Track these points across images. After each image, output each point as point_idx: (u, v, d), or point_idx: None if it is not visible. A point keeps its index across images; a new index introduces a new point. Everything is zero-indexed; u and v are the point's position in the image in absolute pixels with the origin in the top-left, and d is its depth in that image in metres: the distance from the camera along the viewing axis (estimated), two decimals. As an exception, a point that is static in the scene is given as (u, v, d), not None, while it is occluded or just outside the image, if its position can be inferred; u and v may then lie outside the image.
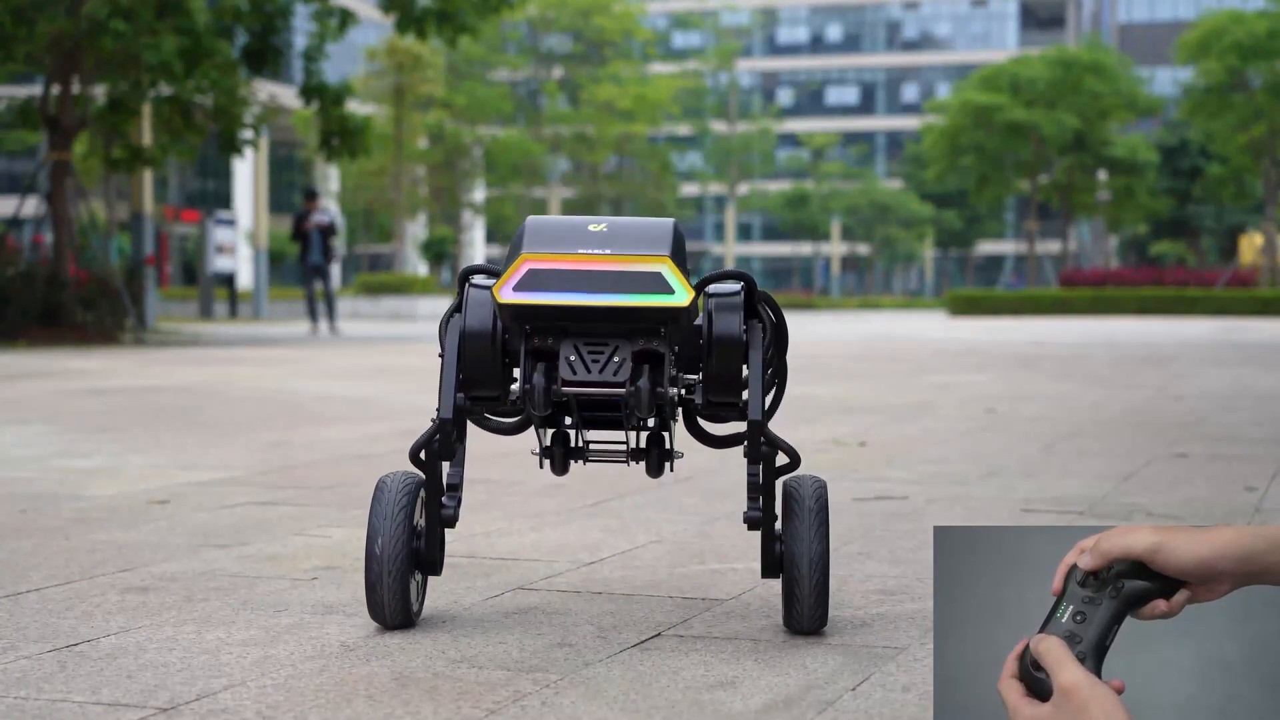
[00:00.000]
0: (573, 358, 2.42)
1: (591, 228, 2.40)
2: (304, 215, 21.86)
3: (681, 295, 2.34)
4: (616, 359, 2.42)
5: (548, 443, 2.63)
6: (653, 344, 2.43)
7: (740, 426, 2.70)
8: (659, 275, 2.35)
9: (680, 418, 2.64)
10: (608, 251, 2.35)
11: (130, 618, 2.64)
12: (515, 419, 2.66)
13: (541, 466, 2.54)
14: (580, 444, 2.64)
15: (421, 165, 50.86)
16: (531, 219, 2.44)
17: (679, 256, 2.39)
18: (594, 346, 2.42)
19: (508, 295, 2.35)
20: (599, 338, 2.42)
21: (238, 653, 2.37)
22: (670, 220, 2.45)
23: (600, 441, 2.67)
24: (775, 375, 2.59)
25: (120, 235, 29.93)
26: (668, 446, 2.62)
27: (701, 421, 2.67)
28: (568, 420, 2.62)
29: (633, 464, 2.55)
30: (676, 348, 2.48)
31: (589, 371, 2.42)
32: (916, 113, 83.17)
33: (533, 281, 2.35)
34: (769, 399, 2.58)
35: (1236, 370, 11.69)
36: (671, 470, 2.66)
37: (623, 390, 2.42)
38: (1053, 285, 59.82)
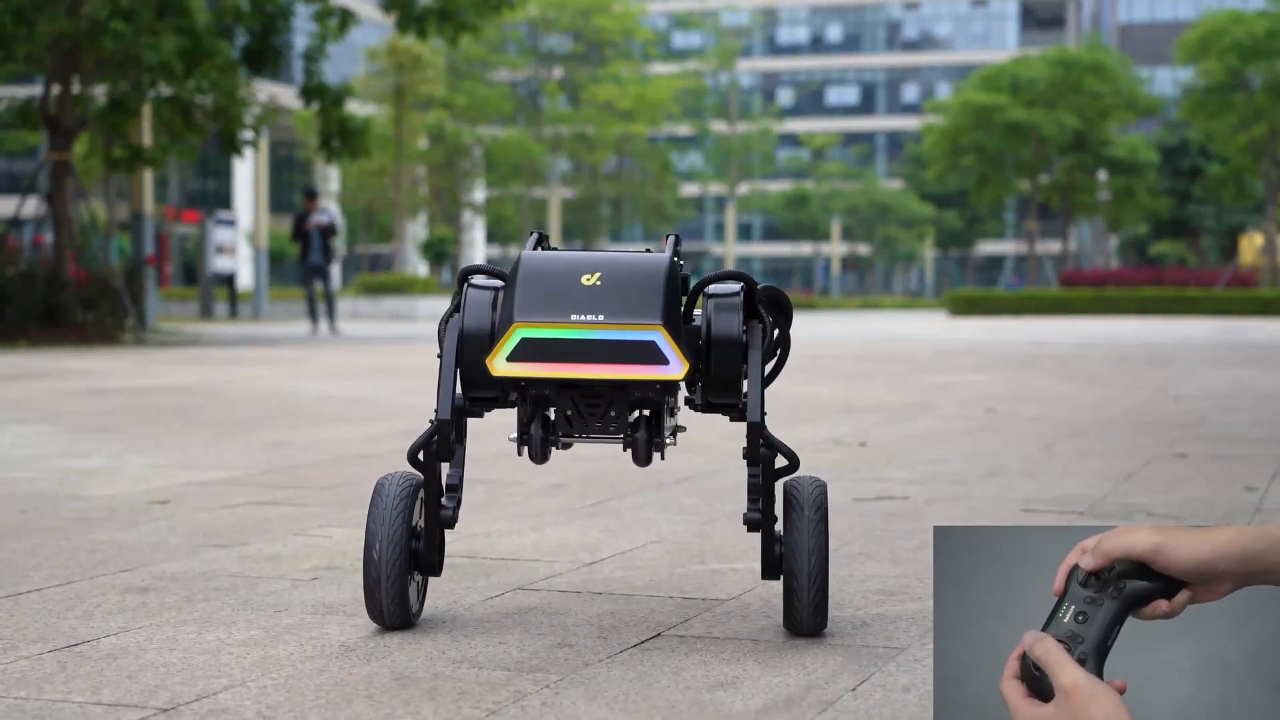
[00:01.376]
0: (570, 412, 2.48)
1: (584, 280, 2.40)
2: (304, 215, 21.87)
3: (676, 367, 2.36)
4: (613, 412, 2.47)
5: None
6: (649, 394, 2.46)
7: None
8: (653, 345, 2.36)
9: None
10: (600, 318, 2.36)
11: (130, 618, 2.64)
12: None
13: (521, 454, 2.54)
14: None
15: (421, 165, 50.85)
16: (527, 260, 2.44)
17: (672, 312, 2.39)
18: (590, 400, 2.47)
19: (502, 367, 2.38)
20: (595, 390, 2.46)
21: (238, 653, 2.37)
22: (664, 258, 2.44)
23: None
24: (778, 345, 2.58)
25: (120, 235, 29.91)
26: (658, 437, 2.55)
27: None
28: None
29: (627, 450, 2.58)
30: (671, 398, 2.51)
31: (585, 424, 2.48)
32: (916, 113, 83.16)
33: (526, 352, 2.37)
34: (770, 365, 2.58)
35: (1236, 370, 11.68)
36: (662, 459, 2.66)
37: (620, 440, 2.48)
38: (1053, 285, 59.80)
